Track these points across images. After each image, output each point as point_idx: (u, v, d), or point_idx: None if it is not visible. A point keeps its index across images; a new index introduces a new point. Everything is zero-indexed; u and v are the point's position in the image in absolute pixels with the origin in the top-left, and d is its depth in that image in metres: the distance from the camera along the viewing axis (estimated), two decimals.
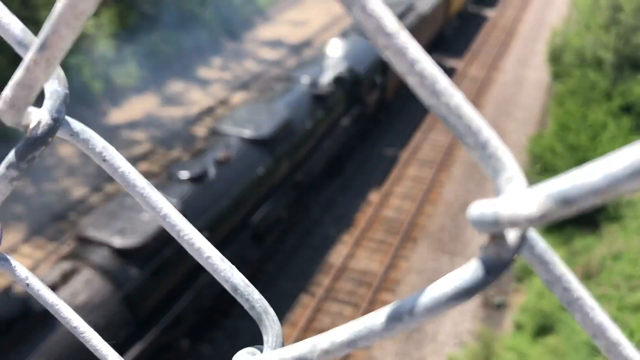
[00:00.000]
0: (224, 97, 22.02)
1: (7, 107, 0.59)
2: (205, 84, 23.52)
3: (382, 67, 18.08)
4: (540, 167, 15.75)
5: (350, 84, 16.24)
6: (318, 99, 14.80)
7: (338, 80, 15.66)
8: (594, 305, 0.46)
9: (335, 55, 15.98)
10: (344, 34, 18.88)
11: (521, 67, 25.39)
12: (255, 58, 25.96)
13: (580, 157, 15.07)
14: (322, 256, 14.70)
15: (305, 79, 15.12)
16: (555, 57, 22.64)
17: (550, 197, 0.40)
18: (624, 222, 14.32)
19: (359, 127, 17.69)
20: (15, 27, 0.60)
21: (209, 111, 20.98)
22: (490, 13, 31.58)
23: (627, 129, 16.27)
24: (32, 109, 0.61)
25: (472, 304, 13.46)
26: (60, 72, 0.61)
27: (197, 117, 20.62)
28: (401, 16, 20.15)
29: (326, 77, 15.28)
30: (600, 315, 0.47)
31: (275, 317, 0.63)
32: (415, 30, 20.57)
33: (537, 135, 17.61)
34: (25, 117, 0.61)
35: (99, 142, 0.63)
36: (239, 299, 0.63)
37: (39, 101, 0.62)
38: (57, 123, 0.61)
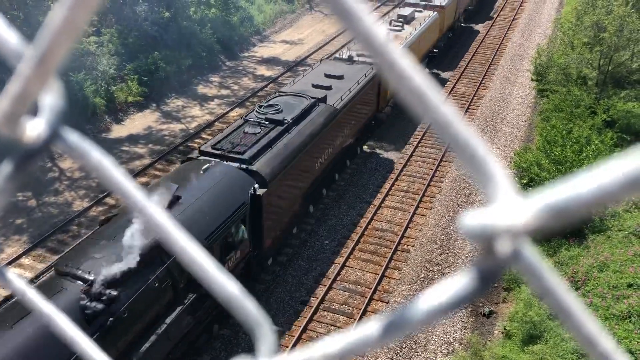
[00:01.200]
0: (222, 113, 22.59)
1: (2, 118, 0.59)
2: (204, 100, 24.11)
3: (254, 206, 12.32)
4: (527, 181, 16.20)
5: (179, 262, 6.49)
6: (96, 317, 8.51)
7: (152, 264, 9.60)
8: (586, 315, 0.46)
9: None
10: (181, 171, 12.63)
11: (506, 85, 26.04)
12: (252, 75, 26.61)
13: (565, 170, 15.52)
14: (316, 267, 15.07)
15: (77, 281, 8.74)
16: (540, 75, 23.35)
17: (542, 208, 0.41)
18: (610, 234, 14.61)
19: (206, 314, 11.66)
20: (10, 38, 0.60)
21: (207, 126, 21.55)
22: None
23: (611, 143, 16.77)
24: (27, 120, 0.61)
25: (462, 313, 13.78)
26: (55, 83, 0.60)
27: (196, 132, 21.17)
28: (306, 112, 15.38)
29: (126, 263, 8.85)
30: (593, 325, 0.46)
31: (270, 327, 0.63)
32: (329, 127, 15.70)
33: (523, 150, 18.11)
34: (20, 128, 0.60)
35: (95, 154, 0.62)
36: (233, 309, 0.63)
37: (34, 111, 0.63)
38: (53, 134, 0.61)
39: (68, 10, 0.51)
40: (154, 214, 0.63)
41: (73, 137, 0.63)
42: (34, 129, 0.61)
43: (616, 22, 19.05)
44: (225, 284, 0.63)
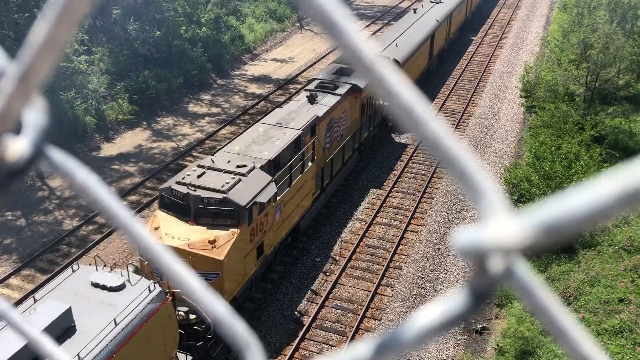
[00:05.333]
0: (212, 131, 22.61)
1: None
2: (195, 118, 24.14)
3: None
4: (517, 196, 16.30)
5: None
6: None
7: None
8: (581, 333, 0.45)
9: None
10: None
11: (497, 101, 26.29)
12: (243, 93, 26.70)
13: (555, 186, 15.65)
14: (308, 285, 14.97)
15: None
16: (528, 91, 23.64)
17: (534, 225, 0.41)
18: (600, 249, 14.67)
19: None
20: None
21: (198, 144, 21.54)
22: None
23: (600, 159, 16.95)
24: (10, 138, 0.59)
25: (455, 330, 13.72)
26: (39, 100, 0.59)
27: (187, 150, 21.14)
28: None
29: None
30: (587, 343, 0.45)
31: (260, 349, 0.62)
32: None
33: (513, 166, 18.24)
34: (2, 146, 0.59)
35: (80, 172, 0.61)
36: (222, 331, 0.62)
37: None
38: (37, 153, 0.59)
39: (51, 27, 0.50)
40: (140, 233, 0.61)
41: (57, 155, 0.61)
42: (17, 147, 0.59)
43: (602, 40, 19.37)
44: (213, 303, 0.61)
